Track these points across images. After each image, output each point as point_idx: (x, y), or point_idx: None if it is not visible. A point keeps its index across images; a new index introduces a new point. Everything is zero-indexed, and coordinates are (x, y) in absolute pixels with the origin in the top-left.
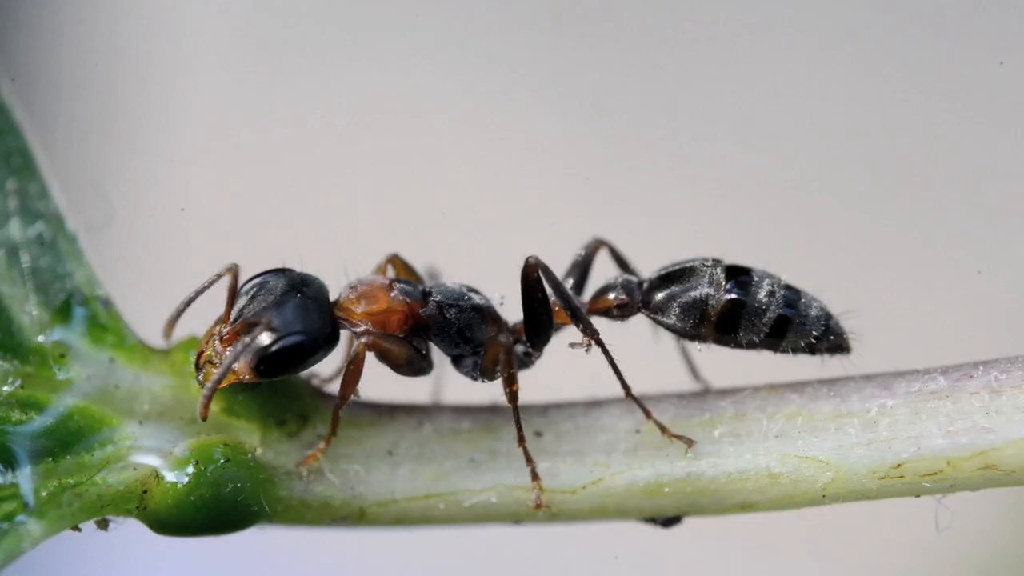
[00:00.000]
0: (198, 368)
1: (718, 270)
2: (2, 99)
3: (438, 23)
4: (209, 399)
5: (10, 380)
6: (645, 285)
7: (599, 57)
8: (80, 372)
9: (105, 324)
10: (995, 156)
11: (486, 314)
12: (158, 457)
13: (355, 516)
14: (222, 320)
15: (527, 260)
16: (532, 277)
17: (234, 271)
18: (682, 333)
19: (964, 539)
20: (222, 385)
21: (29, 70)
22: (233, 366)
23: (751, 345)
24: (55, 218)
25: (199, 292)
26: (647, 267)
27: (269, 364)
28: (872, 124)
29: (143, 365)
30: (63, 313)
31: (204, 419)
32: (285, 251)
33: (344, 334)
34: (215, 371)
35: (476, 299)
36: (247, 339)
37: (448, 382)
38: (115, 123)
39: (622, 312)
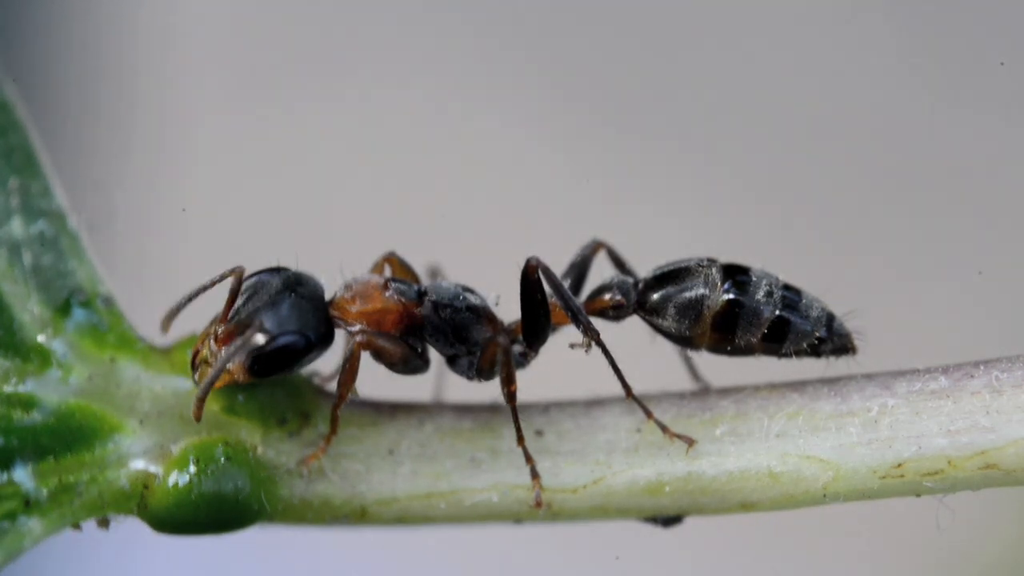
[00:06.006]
0: (194, 367)
1: (714, 270)
2: (4, 97)
3: (438, 22)
4: (203, 399)
5: (11, 379)
6: (640, 285)
7: (599, 57)
8: (81, 371)
9: (106, 323)
10: (995, 156)
11: (482, 314)
12: (159, 456)
13: (356, 515)
14: (219, 319)
15: (528, 260)
16: (533, 277)
17: (239, 273)
18: (677, 336)
19: (964, 539)
20: (218, 385)
21: (31, 68)
22: (228, 366)
23: (749, 349)
24: (57, 216)
25: (201, 290)
26: (647, 268)
27: (263, 364)
28: (872, 124)
29: (144, 364)
30: (64, 312)
31: (198, 419)
32: (284, 250)
33: (341, 333)
34: (210, 371)
35: (472, 299)
36: (241, 339)
37: (449, 381)
38: (117, 122)
39: (617, 313)
